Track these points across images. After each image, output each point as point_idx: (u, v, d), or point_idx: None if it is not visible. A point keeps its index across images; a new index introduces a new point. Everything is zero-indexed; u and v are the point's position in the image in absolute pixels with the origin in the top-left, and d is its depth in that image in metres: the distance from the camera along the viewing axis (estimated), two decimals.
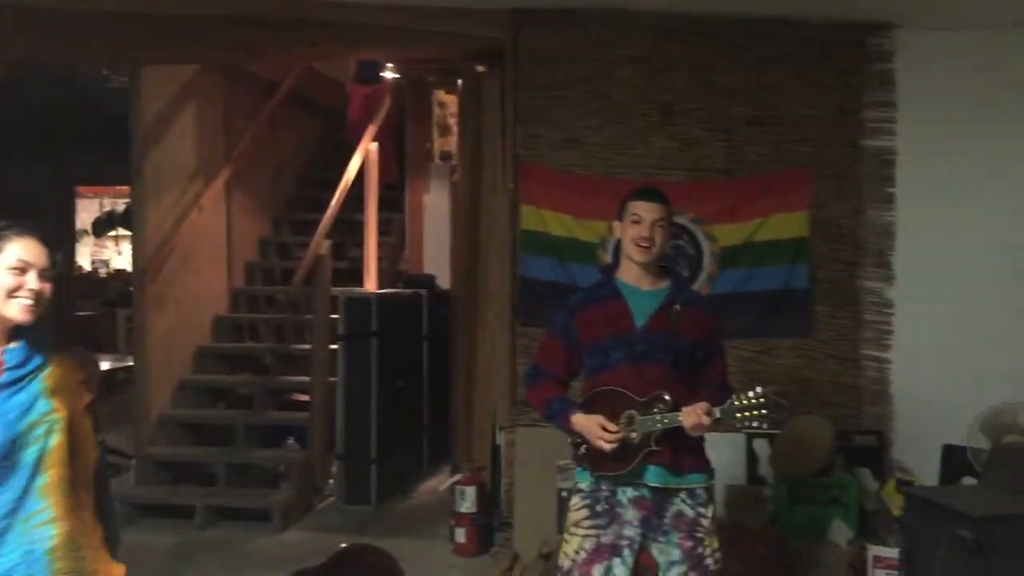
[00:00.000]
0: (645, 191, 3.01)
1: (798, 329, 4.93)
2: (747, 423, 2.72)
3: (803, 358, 4.92)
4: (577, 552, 2.91)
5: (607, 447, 2.84)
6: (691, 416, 2.76)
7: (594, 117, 4.90)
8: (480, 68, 5.43)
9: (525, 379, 3.19)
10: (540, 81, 4.92)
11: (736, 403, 2.73)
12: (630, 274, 3.00)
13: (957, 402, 4.44)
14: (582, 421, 2.91)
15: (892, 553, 4.03)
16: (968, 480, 4.31)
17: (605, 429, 2.84)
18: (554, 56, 4.90)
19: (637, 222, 2.93)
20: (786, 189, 4.89)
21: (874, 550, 4.15)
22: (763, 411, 2.69)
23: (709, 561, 2.90)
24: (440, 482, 6.18)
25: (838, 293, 4.95)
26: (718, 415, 2.76)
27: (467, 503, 4.97)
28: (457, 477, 5.17)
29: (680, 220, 4.84)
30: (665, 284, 3.01)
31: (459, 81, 6.20)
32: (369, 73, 7.55)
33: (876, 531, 4.40)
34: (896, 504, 4.28)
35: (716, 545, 2.93)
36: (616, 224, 3.03)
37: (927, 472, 4.69)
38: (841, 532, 4.30)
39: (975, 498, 3.57)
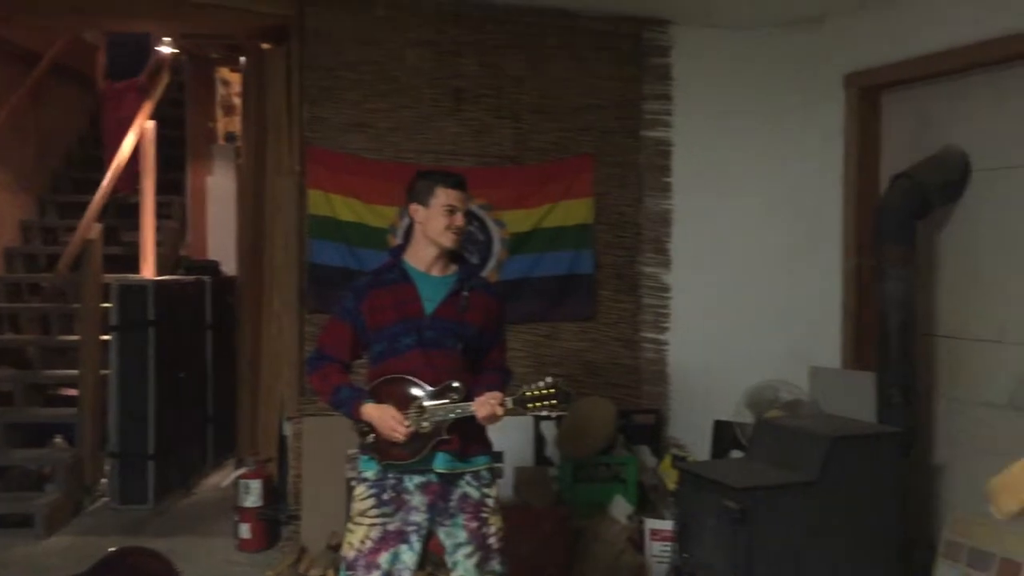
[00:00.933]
0: (456, 179, 3.00)
1: (583, 313, 5.08)
2: (537, 412, 2.81)
3: (587, 341, 5.09)
4: (363, 542, 2.88)
5: (400, 439, 2.82)
6: (485, 407, 2.80)
7: (383, 100, 4.83)
8: (265, 45, 5.21)
9: (308, 364, 3.10)
10: (327, 62, 4.79)
11: (528, 393, 2.80)
12: (420, 259, 2.98)
13: (728, 379, 4.73)
14: (374, 411, 2.87)
15: (667, 525, 4.23)
16: (736, 453, 4.59)
17: (397, 418, 2.82)
18: (342, 36, 4.78)
19: (452, 211, 2.92)
20: (571, 177, 5.01)
21: (651, 523, 4.35)
22: (553, 400, 2.79)
23: (492, 540, 2.96)
24: (224, 476, 5.93)
25: (620, 278, 5.14)
26: (510, 404, 2.81)
27: (252, 497, 4.79)
28: (242, 471, 4.97)
29: (470, 206, 4.86)
30: (454, 270, 3.02)
31: (242, 59, 5.93)
32: (125, 63, 6.95)
33: (654, 505, 4.62)
34: (671, 479, 4.50)
35: (500, 524, 3.00)
36: (416, 208, 2.97)
37: (701, 447, 4.97)
38: (621, 508, 4.47)
39: (740, 470, 3.79)
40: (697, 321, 5.15)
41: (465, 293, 2.96)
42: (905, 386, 4.07)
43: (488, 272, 4.91)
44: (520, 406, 2.81)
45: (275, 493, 4.91)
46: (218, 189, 7.39)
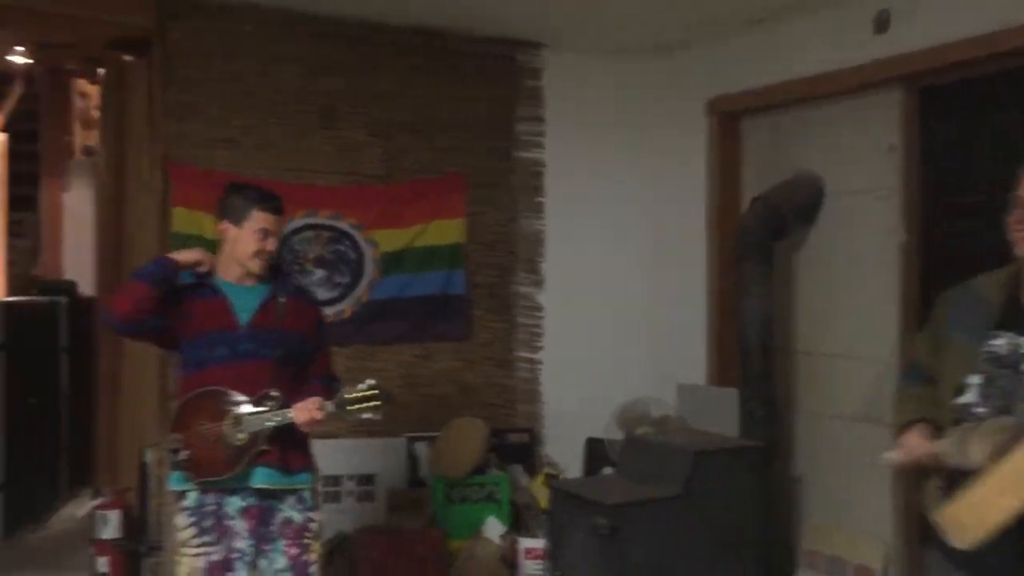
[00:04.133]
0: (274, 203, 2.92)
1: (456, 333, 5.06)
2: (359, 415, 2.78)
3: (461, 361, 5.07)
4: (190, 574, 2.80)
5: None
6: (304, 412, 2.76)
7: (249, 116, 4.71)
8: (127, 58, 5.02)
9: (104, 313, 2.95)
10: (191, 76, 4.64)
11: (348, 396, 2.78)
12: (229, 273, 2.93)
13: (600, 397, 4.78)
14: (186, 254, 2.85)
15: (540, 544, 4.25)
16: (608, 470, 4.66)
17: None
18: (206, 50, 4.65)
19: (265, 236, 2.87)
20: (443, 196, 5.00)
21: (524, 542, 4.36)
22: (375, 403, 2.77)
23: (312, 569, 2.91)
24: (80, 508, 5.63)
25: (493, 298, 5.15)
26: (331, 409, 2.78)
27: (109, 529, 4.56)
28: (98, 501, 4.74)
29: (341, 225, 4.82)
30: (265, 279, 2.96)
31: (101, 71, 5.70)
32: None
33: (527, 524, 4.63)
34: (544, 497, 4.52)
35: (320, 552, 2.96)
36: (227, 227, 2.91)
37: (575, 465, 5.03)
38: (494, 528, 4.47)
39: (610, 487, 3.84)
40: (570, 340, 5.21)
41: (281, 299, 2.92)
42: (766, 401, 4.22)
43: (360, 292, 4.86)
44: (341, 409, 2.78)
45: (135, 524, 4.69)
46: (75, 206, 7.05)
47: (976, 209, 3.79)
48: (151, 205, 4.66)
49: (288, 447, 2.85)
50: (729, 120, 4.85)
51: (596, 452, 4.85)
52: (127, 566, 4.62)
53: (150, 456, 4.63)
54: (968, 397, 2.21)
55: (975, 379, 2.20)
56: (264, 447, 2.79)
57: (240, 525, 2.82)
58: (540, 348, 5.23)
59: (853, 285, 4.20)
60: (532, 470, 5.00)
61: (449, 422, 4.74)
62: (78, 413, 6.13)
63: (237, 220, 2.87)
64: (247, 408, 2.79)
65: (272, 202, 2.91)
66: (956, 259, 3.86)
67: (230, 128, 4.69)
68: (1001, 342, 2.21)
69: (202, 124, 4.65)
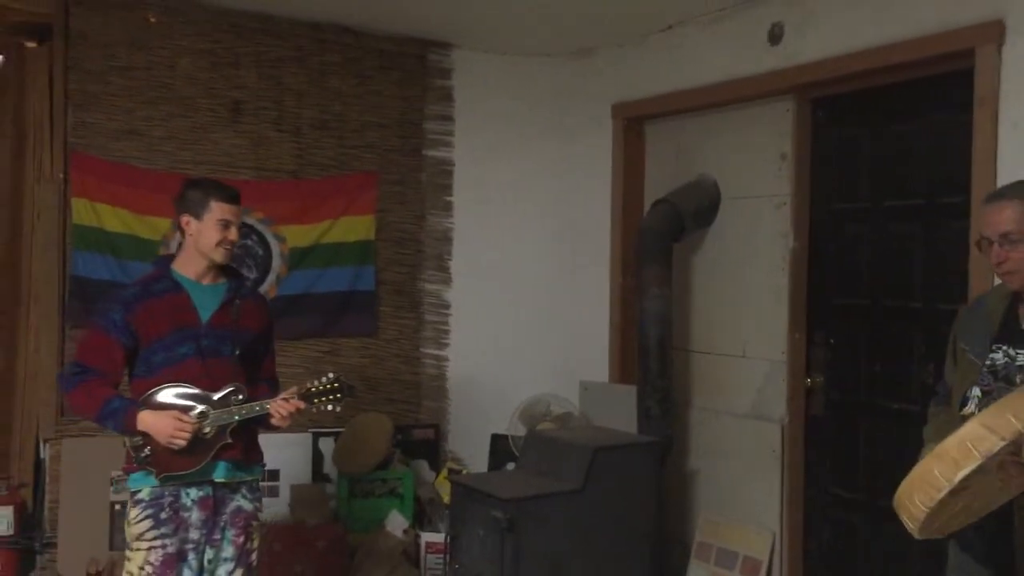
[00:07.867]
0: (231, 192, 2.98)
1: (364, 329, 5.09)
2: (324, 407, 2.91)
3: (368, 357, 5.11)
4: (142, 568, 2.82)
5: (183, 442, 2.75)
6: (283, 406, 2.84)
7: (156, 108, 4.66)
8: (30, 44, 4.90)
9: (64, 379, 2.94)
10: (95, 65, 4.57)
11: (312, 388, 2.89)
12: (190, 269, 2.96)
13: (506, 394, 4.90)
14: (149, 418, 2.78)
15: (442, 538, 4.31)
16: (511, 466, 4.74)
17: (180, 420, 2.76)
18: (111, 40, 4.59)
19: (227, 226, 2.91)
20: (353, 193, 5.03)
21: (426, 536, 4.42)
22: (338, 395, 2.91)
23: (254, 557, 3.00)
24: None
25: (401, 294, 5.20)
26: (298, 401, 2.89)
27: (2, 526, 4.46)
28: None
29: (248, 220, 4.79)
30: (223, 279, 3.02)
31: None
32: None
33: (431, 519, 4.69)
34: (447, 492, 4.58)
35: (258, 541, 3.04)
36: (188, 220, 2.93)
37: (480, 460, 5.10)
38: (397, 522, 4.51)
39: (509, 481, 3.93)
40: (477, 336, 5.28)
41: (238, 301, 2.99)
42: (662, 398, 4.35)
43: (267, 287, 4.84)
44: (307, 401, 2.89)
45: (29, 521, 4.60)
46: None
47: (862, 216, 3.98)
48: (49, 196, 4.57)
49: (248, 443, 2.95)
50: (633, 124, 4.98)
51: (500, 448, 4.94)
52: (19, 563, 4.52)
53: (45, 451, 4.54)
54: (969, 408, 2.27)
55: (975, 391, 2.28)
56: (228, 441, 2.84)
57: (195, 515, 2.86)
58: (447, 345, 5.29)
59: (746, 287, 4.36)
60: (437, 465, 5.06)
61: (353, 418, 4.77)
62: None
63: (198, 213, 2.89)
64: (212, 403, 2.84)
65: (230, 191, 2.96)
66: (843, 263, 4.05)
67: (135, 119, 4.63)
68: (999, 355, 2.28)
69: (106, 114, 4.59)
